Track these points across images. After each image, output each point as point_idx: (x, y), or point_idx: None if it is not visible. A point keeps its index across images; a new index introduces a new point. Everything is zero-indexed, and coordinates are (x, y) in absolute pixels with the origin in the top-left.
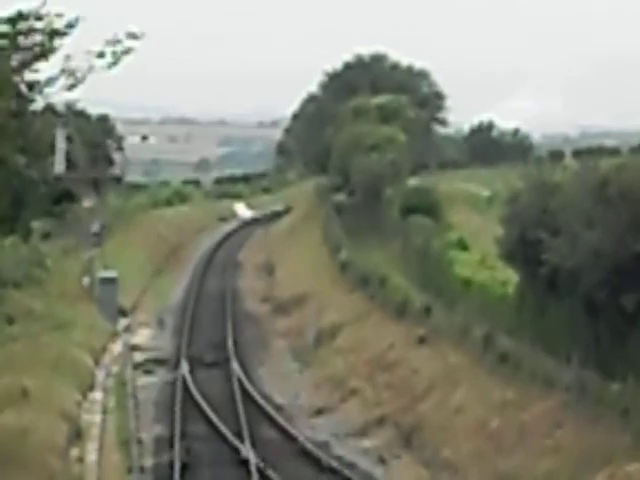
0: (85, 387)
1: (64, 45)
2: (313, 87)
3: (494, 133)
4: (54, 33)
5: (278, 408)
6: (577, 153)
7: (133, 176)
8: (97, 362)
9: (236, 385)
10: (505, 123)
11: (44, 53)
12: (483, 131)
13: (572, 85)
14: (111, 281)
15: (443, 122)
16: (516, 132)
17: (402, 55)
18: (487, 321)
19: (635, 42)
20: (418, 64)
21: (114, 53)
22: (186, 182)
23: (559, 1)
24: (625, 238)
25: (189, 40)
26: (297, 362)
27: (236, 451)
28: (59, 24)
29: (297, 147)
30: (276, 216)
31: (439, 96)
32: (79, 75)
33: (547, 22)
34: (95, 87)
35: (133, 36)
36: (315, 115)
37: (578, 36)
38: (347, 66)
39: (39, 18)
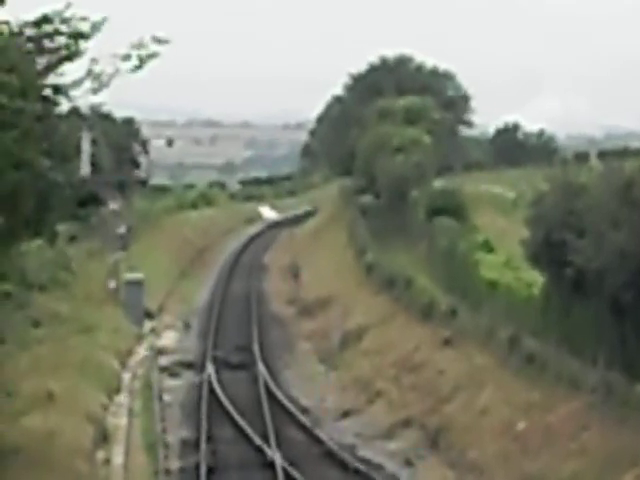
0: (111, 390)
1: (89, 48)
2: (338, 89)
3: (519, 134)
4: (79, 36)
5: (304, 410)
6: (602, 154)
7: (158, 179)
8: (123, 365)
9: (262, 387)
10: (530, 124)
11: (69, 56)
12: (508, 132)
13: (596, 86)
14: (137, 284)
15: (468, 124)
16: (541, 133)
17: (426, 57)
18: (513, 323)
19: None
20: (443, 66)
21: (139, 57)
22: (212, 185)
23: (579, 2)
24: None
25: (215, 42)
26: (323, 364)
27: (262, 453)
28: (84, 27)
29: (322, 149)
30: (302, 218)
31: (464, 97)
32: (104, 78)
33: (568, 22)
34: (120, 90)
35: (159, 41)
36: (340, 117)
37: (599, 37)
38: (372, 68)
39: (64, 21)
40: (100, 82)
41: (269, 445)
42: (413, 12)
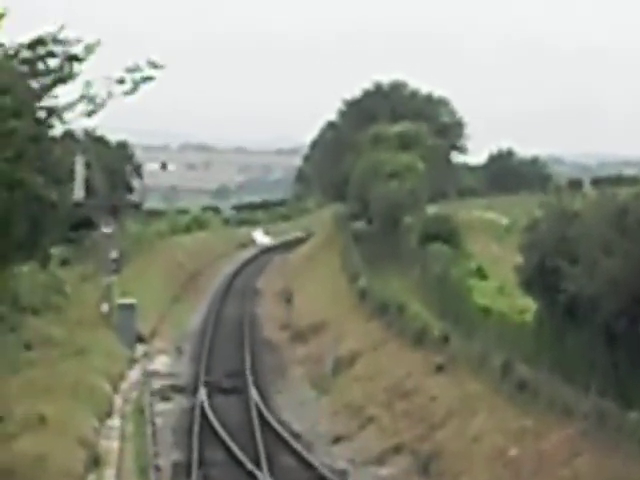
0: (103, 413)
1: (84, 71)
2: (332, 115)
3: (513, 161)
4: (72, 58)
5: (296, 435)
6: (596, 182)
7: (152, 203)
8: (115, 388)
9: (254, 412)
10: (524, 151)
11: (63, 78)
12: (502, 159)
13: (590, 115)
14: (129, 307)
15: (462, 150)
16: (535, 160)
17: (421, 83)
18: (505, 349)
19: None
20: (437, 92)
21: (134, 80)
22: (205, 209)
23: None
24: None
25: (210, 66)
26: (315, 390)
27: (254, 478)
28: (77, 49)
29: (316, 174)
30: (295, 243)
31: (458, 124)
32: (98, 101)
33: (561, 56)
34: (115, 113)
35: (153, 65)
36: (334, 143)
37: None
38: (366, 94)
39: (57, 43)
40: (94, 105)
41: (261, 469)
42: (409, 42)
